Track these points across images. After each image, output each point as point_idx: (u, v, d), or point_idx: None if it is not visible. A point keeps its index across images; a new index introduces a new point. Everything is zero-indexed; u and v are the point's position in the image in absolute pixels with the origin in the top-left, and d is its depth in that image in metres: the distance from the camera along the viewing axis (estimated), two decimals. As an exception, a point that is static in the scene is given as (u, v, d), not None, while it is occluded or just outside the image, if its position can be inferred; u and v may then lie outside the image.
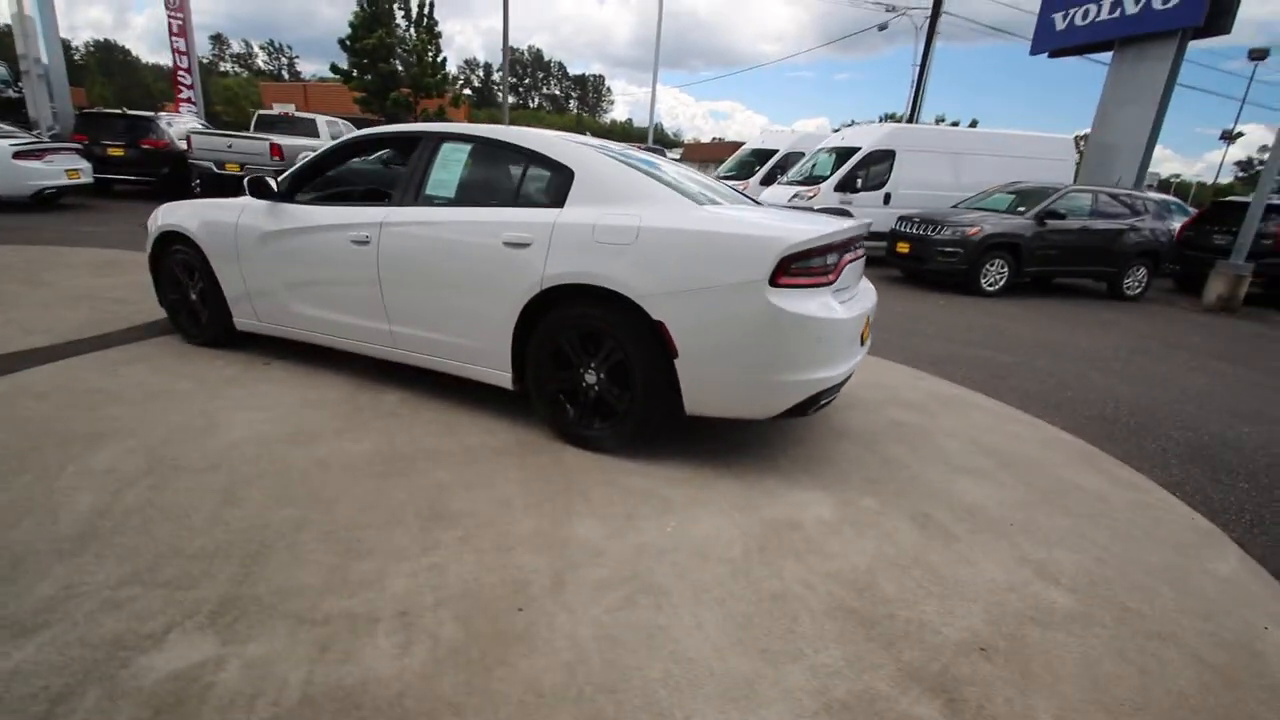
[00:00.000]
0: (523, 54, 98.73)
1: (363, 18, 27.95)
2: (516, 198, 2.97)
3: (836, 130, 19.79)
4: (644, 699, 1.50)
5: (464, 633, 1.67)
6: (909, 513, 2.51)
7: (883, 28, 25.03)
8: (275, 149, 11.28)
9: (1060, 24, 19.77)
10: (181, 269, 3.89)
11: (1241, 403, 4.59)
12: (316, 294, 3.41)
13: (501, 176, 3.13)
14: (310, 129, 13.31)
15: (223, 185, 11.96)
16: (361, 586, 1.82)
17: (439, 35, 30.03)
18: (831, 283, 2.57)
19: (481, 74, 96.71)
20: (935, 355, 5.19)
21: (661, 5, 20.93)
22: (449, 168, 3.09)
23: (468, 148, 3.09)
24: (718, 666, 1.62)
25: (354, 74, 28.95)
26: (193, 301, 3.92)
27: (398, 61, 28.61)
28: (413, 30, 29.37)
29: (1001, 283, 8.71)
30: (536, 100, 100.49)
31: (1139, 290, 9.40)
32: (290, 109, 30.42)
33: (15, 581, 1.74)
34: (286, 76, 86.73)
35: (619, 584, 1.92)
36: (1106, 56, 17.61)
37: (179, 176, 11.63)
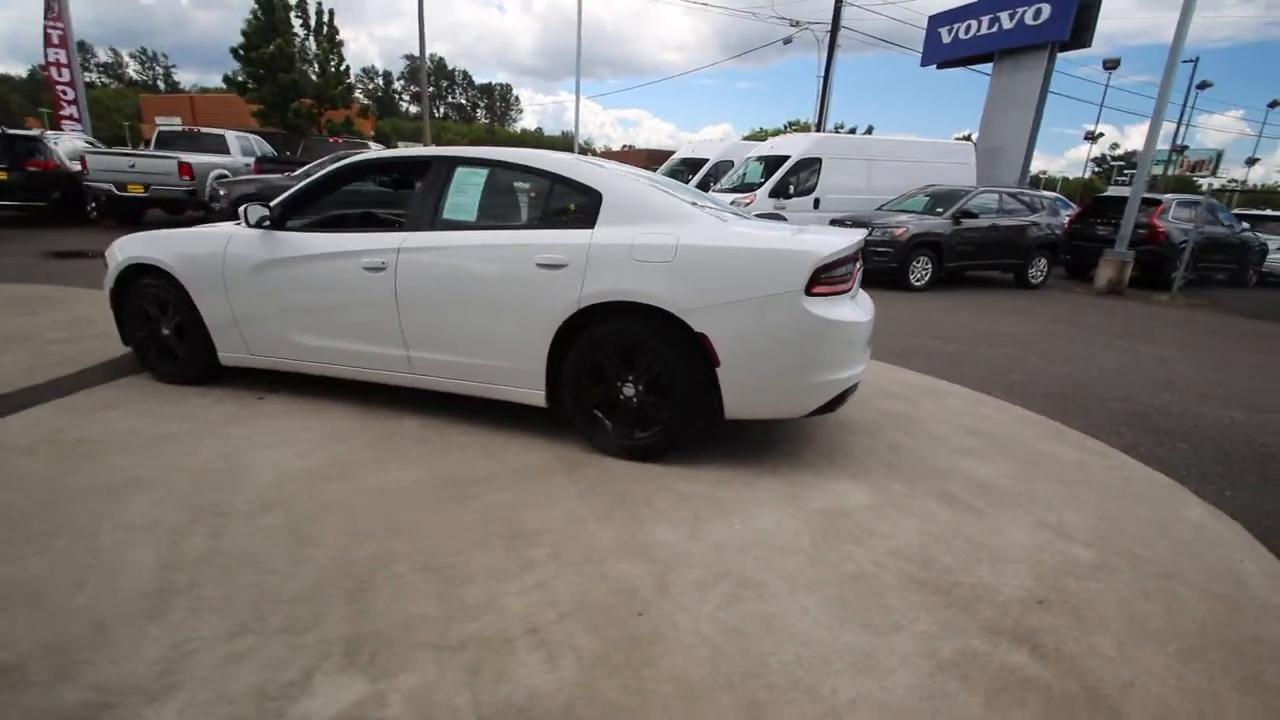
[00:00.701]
0: (426, 63, 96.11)
1: (257, 25, 26.35)
2: (543, 220, 3.03)
3: (748, 138, 20.37)
4: (787, 680, 1.64)
5: (600, 641, 1.75)
6: (933, 492, 2.78)
7: (787, 41, 26.34)
8: (185, 168, 10.53)
9: (946, 38, 21.62)
10: (152, 304, 3.65)
11: (1153, 375, 5.29)
12: (322, 323, 3.31)
13: (524, 199, 3.18)
14: (219, 145, 12.47)
15: (125, 209, 11.04)
16: (480, 610, 1.85)
17: (341, 44, 28.81)
18: (849, 290, 2.82)
19: (381, 82, 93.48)
20: (894, 349, 5.63)
21: (581, 15, 21.10)
22: (466, 192, 3.10)
23: (485, 172, 3.12)
24: (837, 644, 1.78)
25: (249, 85, 27.23)
26: (165, 338, 3.68)
27: (298, 72, 27.15)
28: (312, 39, 27.99)
29: (926, 278, 9.46)
30: (442, 110, 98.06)
31: (1041, 279, 10.47)
32: (176, 123, 28.28)
33: (113, 646, 1.65)
34: (163, 87, 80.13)
35: (716, 581, 2.05)
36: (988, 67, 19.48)
37: (72, 201, 10.61)
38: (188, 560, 2.03)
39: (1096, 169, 59.69)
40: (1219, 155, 37.88)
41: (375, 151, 3.41)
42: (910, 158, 12.32)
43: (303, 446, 2.95)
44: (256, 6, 26.37)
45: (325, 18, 28.10)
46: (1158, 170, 36.11)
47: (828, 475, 2.90)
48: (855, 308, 2.81)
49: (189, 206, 11.24)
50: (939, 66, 22.37)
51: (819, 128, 22.52)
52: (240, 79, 27.51)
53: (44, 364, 3.89)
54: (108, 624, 1.74)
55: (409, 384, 3.28)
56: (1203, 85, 31.78)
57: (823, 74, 23.05)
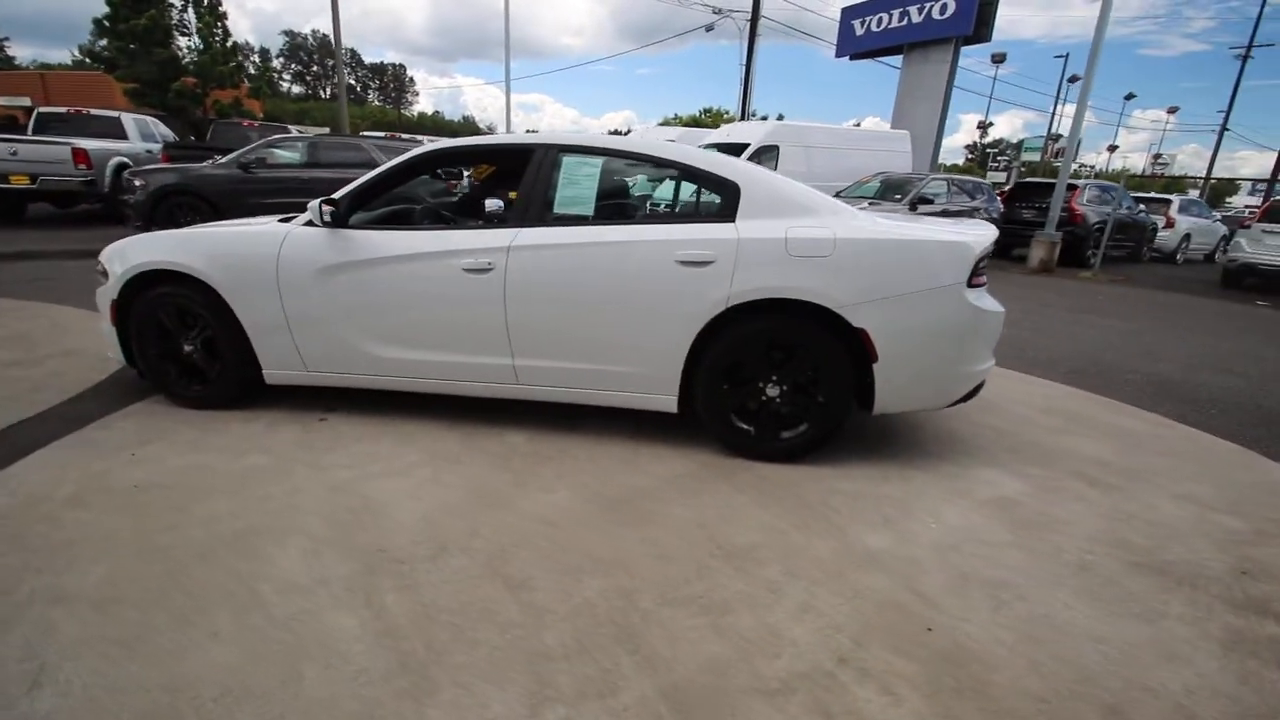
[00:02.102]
0: (307, 39, 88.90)
1: (124, -7, 23.22)
2: (672, 214, 2.83)
3: (661, 125, 20.27)
4: (1119, 680, 1.62)
5: (915, 664, 1.65)
6: (1069, 473, 2.88)
7: (709, 28, 26.71)
8: (81, 156, 9.15)
9: (859, 30, 22.61)
10: (172, 316, 3.11)
11: (1136, 347, 5.80)
12: (408, 333, 2.95)
13: (648, 191, 2.96)
14: (113, 129, 10.87)
15: (4, 204, 9.46)
16: (771, 645, 1.70)
17: (224, 16, 25.98)
18: (985, 283, 2.85)
19: (258, 60, 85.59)
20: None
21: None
22: (579, 184, 2.84)
23: (597, 163, 2.86)
24: (1128, 637, 1.79)
25: (120, 61, 24.01)
26: (188, 355, 3.16)
27: (177, 46, 24.25)
28: (191, 10, 25.05)
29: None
30: (329, 91, 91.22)
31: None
32: (25, 102, 24.51)
33: (397, 739, 1.37)
34: (-11, 61, 69.21)
35: (965, 585, 2.01)
36: (898, 60, 20.60)
37: (-65, 194, 8.93)
38: (403, 623, 1.73)
39: (970, 155, 64.94)
40: (1078, 142, 42.19)
41: (458, 140, 3.01)
42: (856, 145, 12.81)
43: (420, 473, 2.62)
44: (122, -29, 23.26)
45: (205, -14, 25.24)
46: (1031, 157, 39.91)
47: (965, 464, 2.93)
48: (993, 299, 2.85)
49: (85, 200, 9.79)
50: (852, 58, 23.36)
51: (743, 116, 22.93)
52: (107, 54, 24.20)
53: (17, 392, 3.26)
54: (375, 710, 1.44)
55: (508, 395, 3.00)
56: (1073, 79, 35.19)
57: (745, 62, 23.50)
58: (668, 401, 2.85)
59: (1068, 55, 34.88)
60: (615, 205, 3.04)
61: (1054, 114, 36.61)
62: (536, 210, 2.83)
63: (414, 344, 2.96)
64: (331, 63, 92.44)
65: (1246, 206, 43.36)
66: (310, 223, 2.95)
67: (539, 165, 2.86)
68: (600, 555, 2.08)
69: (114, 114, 11.32)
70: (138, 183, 8.25)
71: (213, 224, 3.50)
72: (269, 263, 2.95)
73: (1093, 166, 49.87)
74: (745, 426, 2.82)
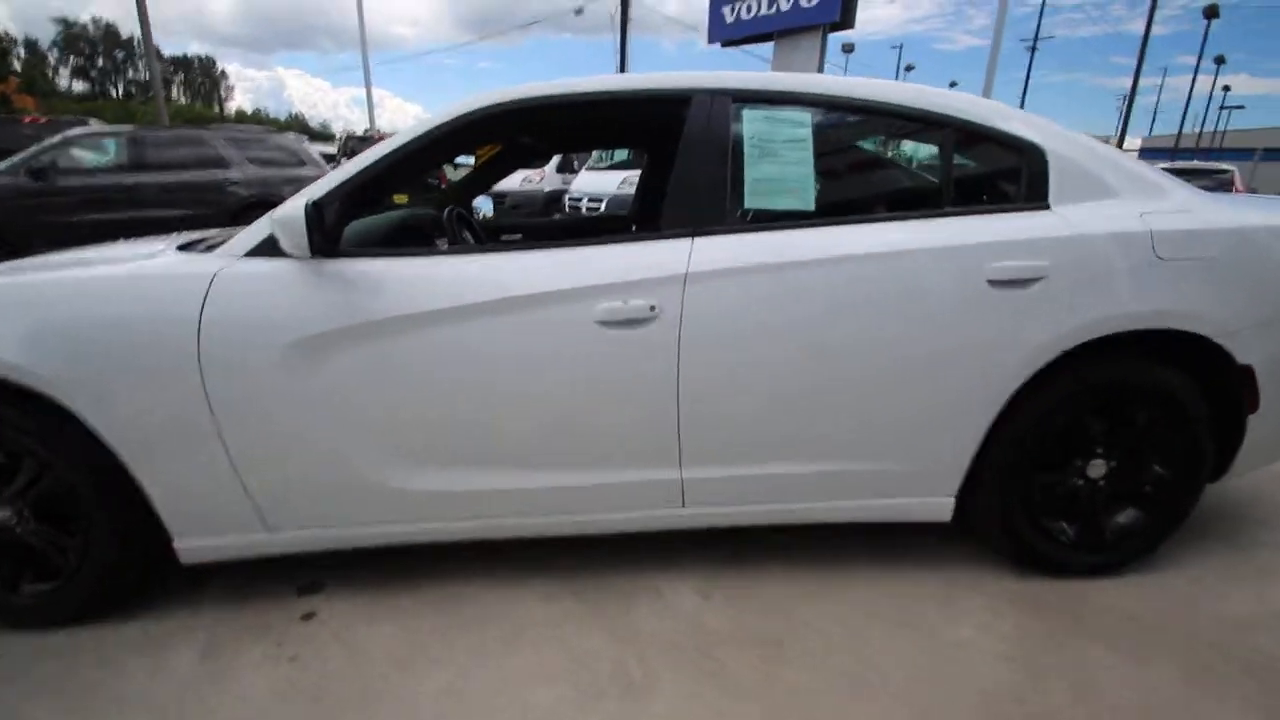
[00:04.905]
0: (86, 28, 75.29)
1: None
2: (935, 198, 1.71)
3: None
4: None
5: None
6: None
7: (579, 12, 25.40)
8: None
9: (729, 17, 22.49)
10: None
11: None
12: (479, 444, 1.60)
13: (893, 165, 1.81)
14: None
15: None
16: None
17: (-32, -9, 20.48)
18: None
19: (23, 51, 71.10)
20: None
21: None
22: (779, 155, 1.63)
23: (805, 118, 1.66)
24: None
25: None
26: (11, 528, 1.58)
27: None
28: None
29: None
30: (122, 87, 77.97)
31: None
32: None
33: None
34: None
35: None
36: (769, 48, 20.80)
37: None
38: None
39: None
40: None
41: (549, 85, 1.63)
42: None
43: (611, 700, 1.32)
44: None
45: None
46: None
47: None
48: None
49: None
50: (724, 45, 23.32)
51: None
52: None
53: None
54: None
55: (662, 527, 1.75)
56: (909, 67, 38.25)
57: (619, 50, 22.69)
58: (940, 506, 1.75)
59: (901, 46, 37.70)
60: (848, 189, 1.87)
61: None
62: (717, 205, 1.59)
63: (489, 462, 1.62)
64: (123, 55, 79.47)
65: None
66: (266, 249, 1.49)
67: (703, 126, 1.62)
68: None
69: None
70: None
71: (29, 261, 1.85)
72: (179, 337, 1.46)
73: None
74: (1057, 528, 1.80)
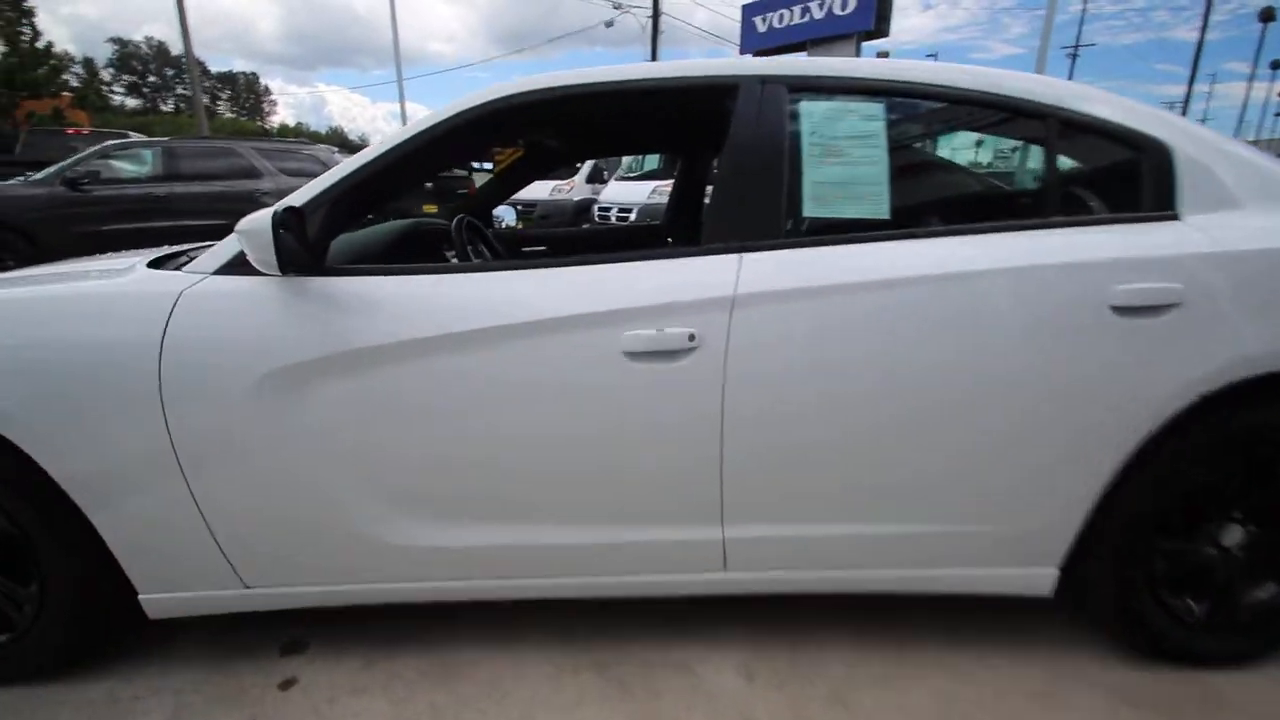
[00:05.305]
0: (139, 47, 78.73)
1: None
2: (1046, 205, 1.41)
3: None
4: None
5: None
6: None
7: (609, 24, 25.46)
8: None
9: (761, 27, 22.30)
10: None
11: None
12: (487, 494, 1.36)
13: (983, 166, 1.54)
14: None
15: None
16: None
17: (30, 12, 21.37)
18: None
19: (81, 70, 74.42)
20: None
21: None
22: (845, 154, 1.36)
23: (878, 109, 1.39)
24: None
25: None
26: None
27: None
28: (-15, 5, 20.32)
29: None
30: (171, 102, 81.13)
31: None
32: None
33: None
34: None
35: None
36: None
37: None
38: None
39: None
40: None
41: (572, 74, 1.39)
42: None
43: None
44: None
45: (3, -24, 20.60)
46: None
47: None
48: None
49: None
50: (755, 55, 23.14)
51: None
52: None
53: None
54: None
55: (697, 592, 1.48)
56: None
57: (651, 58, 22.71)
58: (1040, 578, 1.44)
59: (936, 55, 37.01)
60: (929, 192, 1.60)
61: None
62: (763, 214, 1.33)
63: (496, 515, 1.37)
64: (172, 72, 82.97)
65: None
66: (240, 265, 1.28)
67: (753, 120, 1.36)
68: None
69: None
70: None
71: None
72: (138, 363, 1.25)
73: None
74: (1184, 607, 1.47)
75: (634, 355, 1.25)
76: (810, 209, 1.34)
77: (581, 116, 1.94)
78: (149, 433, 1.27)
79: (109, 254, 1.80)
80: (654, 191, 8.30)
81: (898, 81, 1.39)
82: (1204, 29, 22.08)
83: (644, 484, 1.35)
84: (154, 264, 1.51)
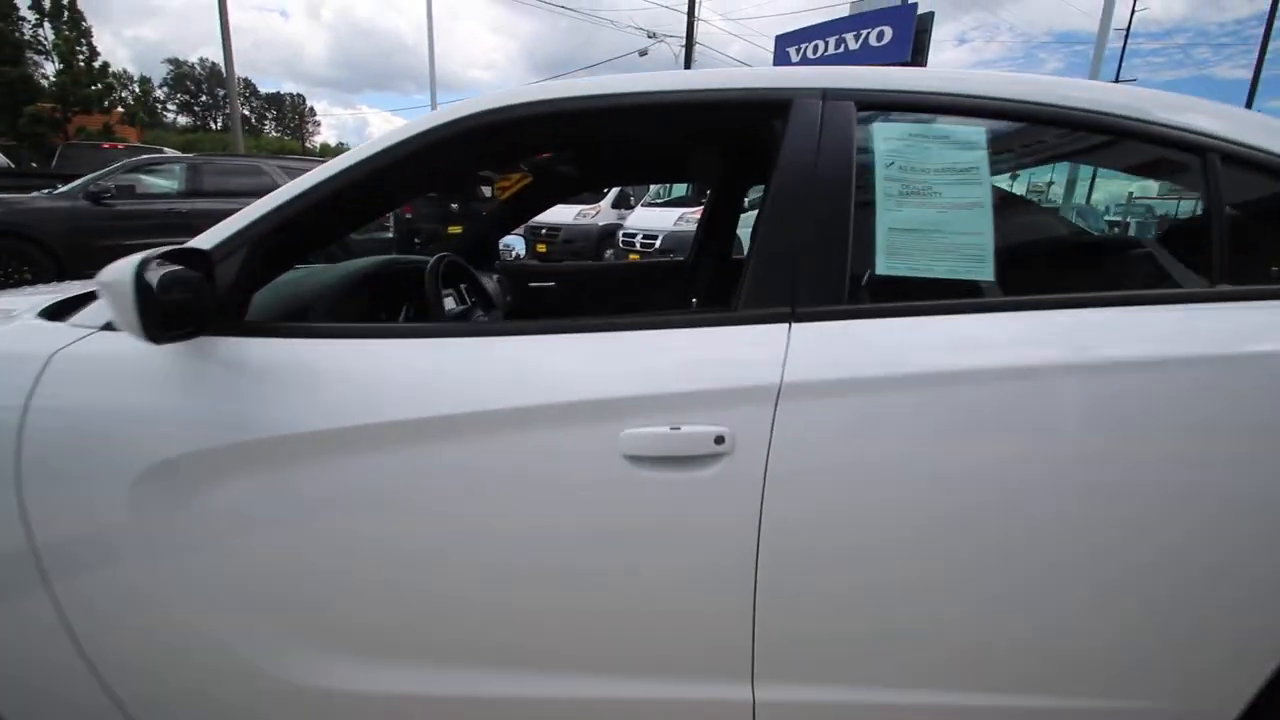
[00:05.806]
0: (194, 68, 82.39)
1: (-46, 2, 19.39)
2: (1212, 266, 1.04)
3: None
4: None
5: None
6: None
7: (643, 53, 25.61)
8: None
9: (795, 57, 22.26)
10: None
11: None
12: (436, 632, 1.01)
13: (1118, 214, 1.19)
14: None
15: None
16: None
17: (88, 32, 22.28)
18: None
19: (137, 89, 77.94)
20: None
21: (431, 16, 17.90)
22: (938, 192, 1.01)
23: (980, 136, 1.04)
24: None
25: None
26: None
27: (30, 65, 20.43)
28: (47, 25, 21.25)
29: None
30: (220, 121, 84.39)
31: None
32: None
33: None
34: None
35: None
36: (838, 87, 20.33)
37: None
38: None
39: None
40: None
41: (574, 85, 1.09)
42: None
43: None
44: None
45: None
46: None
47: None
48: None
49: None
50: (792, 84, 23.06)
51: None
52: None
53: None
54: None
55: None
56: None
57: (684, 88, 22.80)
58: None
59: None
60: (1047, 249, 1.25)
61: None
62: (820, 270, 0.98)
63: (449, 658, 1.02)
64: (223, 92, 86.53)
65: None
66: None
67: (808, 144, 1.02)
68: None
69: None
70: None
71: None
72: (-14, 452, 0.94)
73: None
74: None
75: (637, 460, 0.91)
76: (885, 265, 0.98)
77: (601, 135, 1.64)
78: (4, 527, 0.96)
79: (22, 288, 1.53)
80: (680, 219, 8.01)
81: (1013, 101, 1.02)
82: (1259, 68, 21.08)
83: (647, 627, 1.00)
84: (61, 307, 1.22)
